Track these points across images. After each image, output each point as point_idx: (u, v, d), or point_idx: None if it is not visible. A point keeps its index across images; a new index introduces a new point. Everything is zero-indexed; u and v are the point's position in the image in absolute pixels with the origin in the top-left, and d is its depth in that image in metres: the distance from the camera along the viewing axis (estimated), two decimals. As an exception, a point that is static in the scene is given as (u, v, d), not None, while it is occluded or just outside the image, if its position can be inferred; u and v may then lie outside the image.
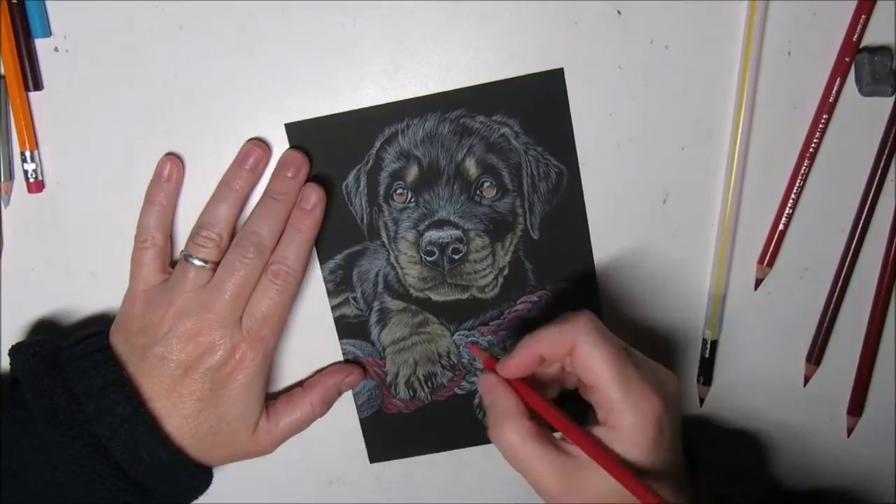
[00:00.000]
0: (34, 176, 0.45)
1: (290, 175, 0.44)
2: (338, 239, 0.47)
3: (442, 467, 0.52)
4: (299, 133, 0.46)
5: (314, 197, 0.44)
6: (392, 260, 0.48)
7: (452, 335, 0.49)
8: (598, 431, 0.39)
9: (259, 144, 0.45)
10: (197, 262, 0.43)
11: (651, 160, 0.47)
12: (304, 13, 0.44)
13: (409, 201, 0.47)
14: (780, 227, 0.48)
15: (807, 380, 0.51)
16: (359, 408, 0.50)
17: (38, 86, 0.44)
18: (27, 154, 0.45)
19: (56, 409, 0.41)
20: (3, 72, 0.44)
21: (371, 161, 0.46)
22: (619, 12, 0.45)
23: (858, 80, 0.45)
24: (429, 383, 0.50)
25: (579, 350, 0.39)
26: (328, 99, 0.45)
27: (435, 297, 0.48)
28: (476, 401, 0.50)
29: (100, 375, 0.42)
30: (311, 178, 0.46)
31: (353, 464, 0.52)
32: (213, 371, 0.43)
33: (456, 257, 0.47)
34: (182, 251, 0.45)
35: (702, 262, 0.49)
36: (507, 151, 0.46)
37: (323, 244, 0.47)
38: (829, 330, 0.49)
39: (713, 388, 0.51)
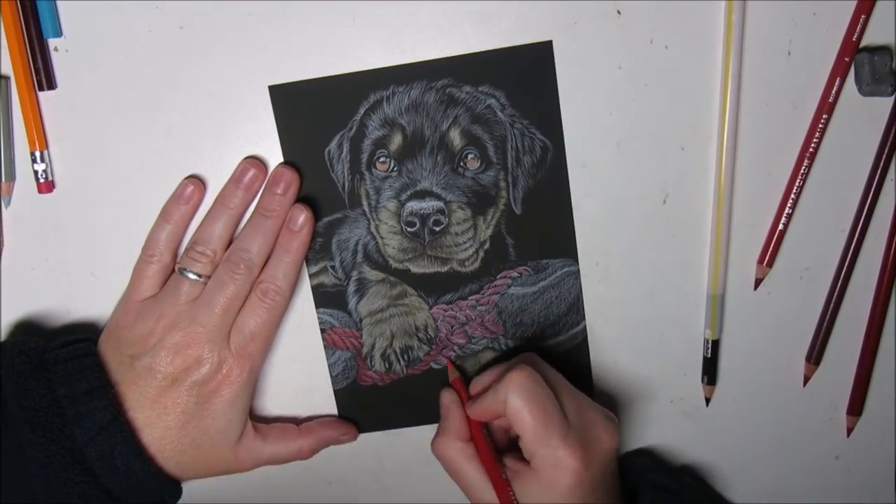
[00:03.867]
0: (44, 176, 0.45)
1: (279, 192, 0.45)
2: (318, 205, 0.47)
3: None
4: (283, 96, 0.45)
5: (301, 217, 0.45)
6: (372, 229, 0.47)
7: (430, 308, 0.49)
8: (523, 469, 0.43)
9: (254, 163, 0.45)
10: (191, 276, 0.44)
11: (651, 160, 0.47)
12: (304, 13, 0.44)
13: (392, 170, 0.46)
14: (780, 227, 0.48)
15: (806, 379, 0.51)
16: (333, 379, 0.49)
17: (51, 85, 0.44)
18: (37, 154, 0.45)
19: (36, 410, 0.41)
20: (2, 72, 0.44)
21: (354, 128, 0.46)
22: (619, 12, 0.45)
23: (858, 80, 0.45)
24: (405, 356, 0.49)
25: (508, 406, 0.42)
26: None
27: (414, 268, 0.48)
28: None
29: (84, 380, 0.42)
30: (296, 152, 0.45)
31: (353, 464, 0.52)
32: (199, 385, 0.43)
33: (437, 229, 0.47)
34: (177, 264, 0.45)
35: (702, 262, 0.49)
36: (492, 123, 0.46)
37: None
38: (829, 330, 0.49)
39: (718, 387, 0.51)
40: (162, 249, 0.45)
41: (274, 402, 0.50)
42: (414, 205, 0.46)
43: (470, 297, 0.49)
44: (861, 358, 0.50)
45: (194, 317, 0.43)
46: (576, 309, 0.49)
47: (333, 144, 0.46)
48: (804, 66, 0.46)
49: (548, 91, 0.45)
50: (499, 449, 0.46)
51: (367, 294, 0.48)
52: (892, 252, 0.48)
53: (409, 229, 0.47)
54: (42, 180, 0.45)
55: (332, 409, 0.50)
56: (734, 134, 0.46)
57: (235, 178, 0.45)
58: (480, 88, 0.45)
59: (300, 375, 0.50)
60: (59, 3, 0.44)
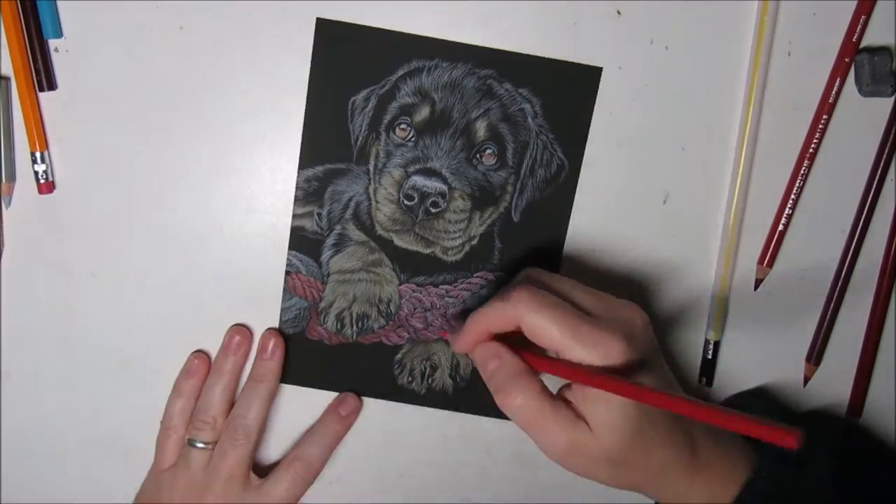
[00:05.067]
0: (45, 177, 0.45)
1: (267, 357, 0.48)
2: (324, 150, 0.46)
3: (442, 467, 0.52)
4: (328, 33, 0.44)
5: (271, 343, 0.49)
6: (370, 191, 0.47)
7: (400, 284, 0.48)
8: (574, 387, 0.40)
9: (240, 330, 0.49)
10: (199, 445, 0.48)
11: (651, 160, 0.47)
12: (304, 13, 0.44)
13: (409, 139, 0.46)
14: (780, 227, 0.48)
15: (806, 380, 0.51)
16: (282, 323, 0.49)
17: (51, 85, 0.44)
18: (37, 155, 0.45)
19: None
20: (2, 72, 0.44)
21: (388, 87, 0.45)
22: (618, 12, 0.45)
23: (858, 81, 0.45)
24: (359, 323, 0.49)
25: (527, 326, 0.39)
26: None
27: (398, 241, 0.47)
28: (398, 356, 0.49)
29: None
30: (322, 92, 0.45)
31: (353, 464, 0.52)
32: None
33: (433, 210, 0.47)
34: (187, 435, 0.48)
35: (702, 262, 0.49)
36: (520, 127, 0.46)
37: (307, 150, 0.46)
38: (829, 330, 0.49)
39: (714, 388, 0.51)
40: (177, 422, 0.49)
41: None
42: (418, 179, 0.46)
43: (441, 286, 0.48)
44: (861, 358, 0.50)
45: (204, 486, 0.47)
46: None
47: (361, 96, 0.45)
48: (804, 66, 0.46)
49: (583, 114, 0.46)
50: None
51: (344, 251, 0.48)
52: (892, 252, 0.48)
53: (406, 202, 0.46)
54: (42, 181, 0.45)
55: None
56: (755, 135, 0.46)
57: (224, 347, 0.49)
58: (520, 90, 0.45)
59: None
60: (59, 3, 0.44)
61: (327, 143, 0.46)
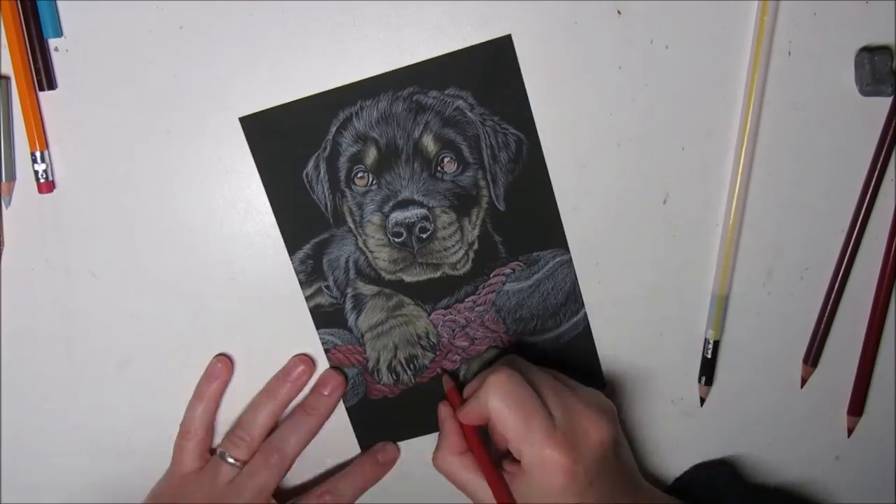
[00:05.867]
0: (45, 176, 0.45)
1: (325, 393, 0.49)
2: (304, 228, 0.47)
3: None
4: (254, 125, 0.45)
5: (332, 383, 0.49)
6: (360, 245, 0.47)
7: (429, 315, 0.49)
8: (518, 471, 0.43)
9: (304, 360, 0.49)
10: (230, 460, 0.47)
11: (651, 160, 0.47)
12: (304, 13, 0.44)
13: (372, 184, 0.46)
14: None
15: (804, 381, 0.51)
16: (344, 397, 0.50)
17: (51, 85, 0.44)
18: (37, 154, 0.45)
19: None
20: (2, 72, 0.44)
21: (329, 147, 0.46)
22: (619, 12, 0.45)
23: (858, 80, 0.46)
24: (411, 366, 0.50)
25: (490, 409, 0.43)
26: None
27: (407, 278, 0.48)
28: (462, 372, 0.50)
29: None
30: (275, 178, 0.46)
31: (354, 464, 0.52)
32: None
33: (424, 236, 0.47)
34: (218, 446, 0.49)
35: (701, 262, 0.49)
36: (463, 124, 0.46)
37: (289, 234, 0.47)
38: (826, 331, 0.49)
39: (713, 388, 0.51)
40: (197, 426, 0.48)
41: None
42: (398, 215, 0.46)
43: (467, 300, 0.49)
44: (861, 358, 0.50)
45: (226, 500, 0.47)
46: (573, 297, 0.49)
47: (310, 166, 0.46)
48: (804, 66, 0.46)
49: (514, 84, 0.45)
50: (499, 452, 0.46)
51: (365, 309, 0.48)
52: (892, 252, 0.48)
53: (396, 240, 0.47)
54: (42, 180, 0.45)
55: (347, 426, 0.51)
56: (754, 135, 0.46)
57: (285, 372, 0.49)
58: (447, 92, 0.45)
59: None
60: (59, 3, 0.44)
61: (303, 222, 0.47)
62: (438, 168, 0.46)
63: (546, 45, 0.45)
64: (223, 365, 0.49)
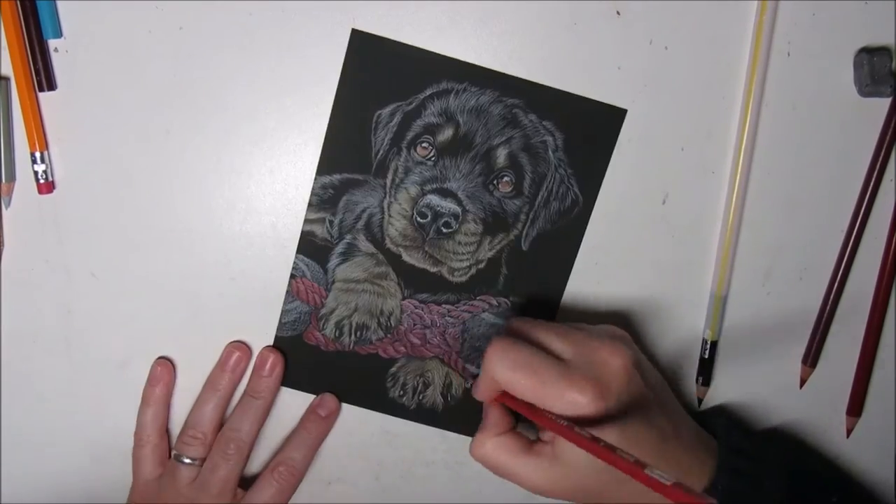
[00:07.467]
0: (45, 177, 0.45)
1: (265, 374, 0.48)
2: (343, 159, 0.46)
3: (442, 467, 0.52)
4: (361, 45, 0.45)
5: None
6: (384, 204, 0.47)
7: (403, 299, 0.49)
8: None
9: (239, 347, 0.48)
10: (186, 461, 0.47)
11: (650, 160, 0.47)
12: (304, 13, 0.44)
13: (429, 158, 0.46)
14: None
15: (802, 382, 0.51)
16: (280, 325, 0.49)
17: (51, 86, 0.44)
18: (37, 155, 0.45)
19: None
20: (2, 72, 0.44)
21: (414, 104, 0.46)
22: (618, 12, 0.45)
23: (857, 81, 0.46)
24: (358, 332, 0.49)
25: (500, 382, 0.41)
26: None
27: (406, 257, 0.48)
28: (392, 369, 0.50)
29: None
30: (347, 103, 0.45)
31: (353, 464, 0.52)
32: None
33: (444, 230, 0.47)
34: (172, 450, 0.49)
35: (701, 262, 0.49)
36: (539, 158, 0.46)
37: (326, 156, 0.46)
38: (826, 331, 0.49)
39: (712, 388, 0.51)
40: (149, 432, 0.48)
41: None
42: (433, 199, 0.46)
43: (444, 305, 0.49)
44: (860, 358, 0.50)
45: (192, 501, 0.47)
46: None
47: (387, 111, 0.46)
48: (804, 66, 0.46)
49: (602, 153, 0.46)
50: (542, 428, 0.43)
51: (351, 261, 0.48)
52: (891, 252, 0.48)
53: (419, 219, 0.47)
54: (42, 181, 0.45)
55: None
56: (754, 135, 0.46)
57: (221, 363, 0.48)
58: (544, 122, 0.46)
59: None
60: (59, 3, 0.44)
61: (347, 153, 0.46)
62: (495, 181, 0.46)
63: (546, 45, 0.45)
64: (163, 368, 0.48)
